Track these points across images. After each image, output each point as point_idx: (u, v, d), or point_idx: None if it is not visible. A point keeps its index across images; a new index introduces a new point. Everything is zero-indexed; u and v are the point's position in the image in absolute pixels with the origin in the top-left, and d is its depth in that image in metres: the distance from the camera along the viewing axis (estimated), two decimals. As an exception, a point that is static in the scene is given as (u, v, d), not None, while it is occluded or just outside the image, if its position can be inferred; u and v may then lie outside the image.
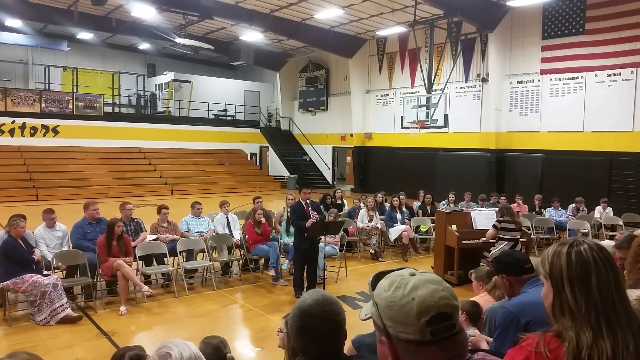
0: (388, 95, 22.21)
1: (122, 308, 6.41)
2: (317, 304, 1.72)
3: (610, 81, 14.91)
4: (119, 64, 27.89)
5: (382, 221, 10.27)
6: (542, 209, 12.13)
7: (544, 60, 16.52)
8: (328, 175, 26.07)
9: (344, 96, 24.12)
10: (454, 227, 8.04)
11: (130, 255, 6.93)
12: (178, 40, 20.37)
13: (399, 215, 10.42)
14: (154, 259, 7.55)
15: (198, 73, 28.16)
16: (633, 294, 1.75)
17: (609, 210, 11.69)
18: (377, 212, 10.40)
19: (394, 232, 10.06)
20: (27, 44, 24.47)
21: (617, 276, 1.40)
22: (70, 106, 22.00)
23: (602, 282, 1.37)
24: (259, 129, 27.74)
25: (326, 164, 26.18)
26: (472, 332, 3.22)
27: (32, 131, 21.03)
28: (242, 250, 8.48)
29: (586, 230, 10.56)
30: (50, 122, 21.37)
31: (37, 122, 21.11)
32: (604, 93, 15.01)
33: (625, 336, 1.32)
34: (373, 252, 9.84)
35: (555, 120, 16.20)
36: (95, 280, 6.82)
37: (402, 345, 1.15)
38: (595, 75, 15.21)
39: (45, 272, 6.21)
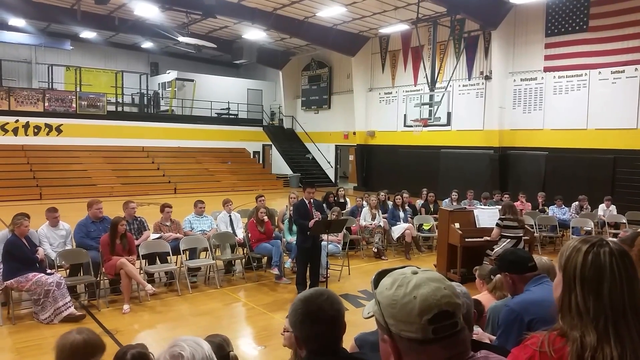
0: (391, 93, 22.18)
1: (126, 306, 6.42)
2: (316, 292, 1.85)
3: (614, 78, 14.84)
4: (122, 63, 27.92)
5: (384, 219, 10.25)
6: (545, 207, 12.09)
7: (547, 57, 16.46)
8: (331, 173, 26.06)
9: (347, 94, 24.11)
10: (457, 225, 8.03)
11: (134, 253, 6.94)
12: (181, 39, 20.37)
13: (401, 214, 10.41)
14: (157, 258, 7.57)
15: (201, 72, 28.16)
16: None
17: (613, 208, 11.65)
18: (379, 211, 10.39)
19: (396, 231, 10.05)
20: (31, 43, 24.52)
21: (632, 285, 1.35)
22: (74, 105, 22.04)
23: (614, 290, 1.34)
24: (261, 128, 27.75)
25: (329, 163, 26.17)
26: (475, 330, 3.21)
27: (36, 130, 21.08)
28: (245, 249, 8.48)
29: (589, 228, 10.53)
30: (54, 121, 21.42)
31: (41, 121, 21.15)
32: (607, 90, 14.94)
33: (634, 347, 1.29)
34: (376, 250, 9.83)
35: (559, 118, 16.15)
36: (98, 278, 6.84)
37: (405, 343, 1.15)
38: (599, 72, 15.14)
39: (48, 271, 6.23)
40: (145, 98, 26.89)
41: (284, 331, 2.82)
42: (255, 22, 19.39)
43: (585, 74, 15.48)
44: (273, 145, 27.14)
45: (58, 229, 7.09)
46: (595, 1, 15.09)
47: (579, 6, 15.50)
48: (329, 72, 25.70)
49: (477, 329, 3.28)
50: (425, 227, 10.70)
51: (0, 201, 16.03)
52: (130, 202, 7.89)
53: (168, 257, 7.56)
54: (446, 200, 12.00)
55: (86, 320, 6.05)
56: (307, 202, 7.25)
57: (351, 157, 25.03)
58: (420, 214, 11.08)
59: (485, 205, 10.77)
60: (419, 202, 11.75)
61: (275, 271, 7.86)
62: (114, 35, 25.04)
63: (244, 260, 8.49)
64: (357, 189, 22.69)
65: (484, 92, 18.42)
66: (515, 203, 9.39)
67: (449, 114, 19.22)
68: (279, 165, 26.52)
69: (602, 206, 11.66)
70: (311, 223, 6.95)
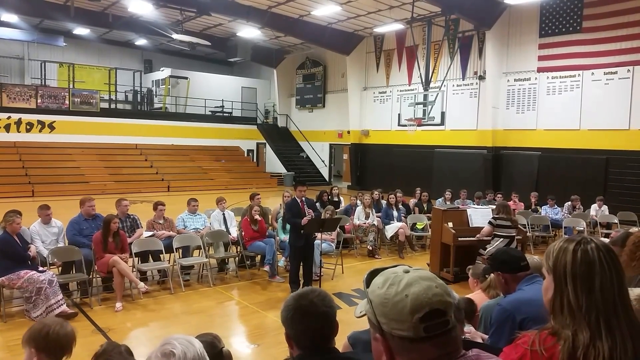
0: (385, 92, 22.21)
1: (118, 304, 6.40)
2: (308, 289, 1.88)
3: (606, 79, 14.93)
4: (116, 60, 27.77)
5: (378, 218, 10.27)
6: (538, 207, 12.16)
7: (541, 58, 16.54)
8: (325, 172, 26.06)
9: (341, 93, 24.10)
10: (450, 224, 8.06)
11: (126, 251, 6.92)
12: (175, 36, 20.30)
13: (395, 213, 10.43)
14: (150, 256, 7.54)
15: (195, 69, 28.08)
16: (633, 293, 1.74)
17: (605, 208, 11.73)
18: (373, 210, 10.40)
19: (390, 230, 10.06)
20: (23, 39, 24.34)
21: (620, 279, 1.38)
22: (67, 102, 21.90)
23: (605, 283, 1.36)
24: (255, 126, 27.70)
25: (323, 161, 26.18)
26: (467, 329, 3.22)
27: (28, 127, 20.94)
28: (239, 247, 8.47)
29: (582, 228, 10.59)
30: (46, 118, 21.28)
31: (33, 117, 21.01)
32: (600, 91, 15.03)
33: (624, 340, 1.32)
34: (369, 249, 9.84)
35: (552, 118, 16.23)
36: (91, 276, 6.81)
37: (396, 342, 1.15)
38: (592, 73, 15.23)
39: (40, 268, 6.20)
40: (138, 95, 26.78)
41: None
42: (249, 20, 19.34)
43: (579, 75, 15.56)
44: (267, 144, 27.10)
45: (50, 226, 7.04)
46: (589, 2, 15.17)
47: (572, 7, 15.57)
48: (323, 71, 25.69)
49: (469, 328, 3.30)
50: (419, 226, 10.73)
51: (-9, 198, 15.91)
52: (123, 200, 7.84)
53: (161, 255, 7.54)
54: (439, 199, 12.04)
55: (78, 318, 6.03)
56: (299, 200, 7.25)
57: (345, 156, 25.04)
58: (414, 213, 11.11)
59: (478, 204, 10.81)
60: (412, 201, 11.78)
61: (267, 268, 7.85)
62: (108, 32, 24.88)
63: (237, 258, 8.48)
64: (351, 187, 22.72)
65: (477, 92, 18.48)
66: (508, 203, 9.42)
67: (442, 114, 19.25)
68: (273, 163, 26.50)
69: (594, 206, 11.74)
70: (304, 220, 6.95)
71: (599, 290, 1.35)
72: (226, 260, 8.43)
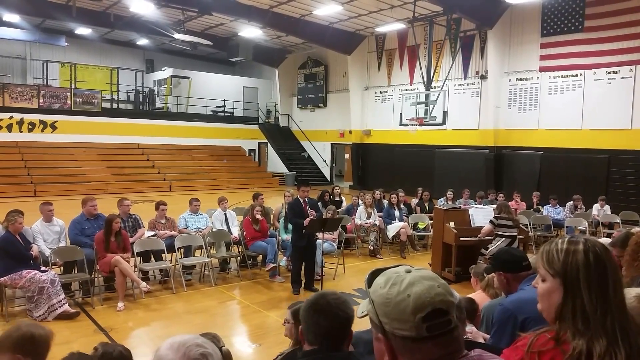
0: (387, 92, 22.19)
1: (120, 304, 6.41)
2: (330, 292, 1.97)
3: (608, 79, 14.90)
4: (117, 60, 27.80)
5: (380, 218, 10.27)
6: (540, 207, 12.15)
7: (542, 57, 16.51)
8: (326, 172, 26.06)
9: (343, 93, 24.09)
10: (452, 224, 8.05)
11: (128, 251, 6.93)
12: (176, 36, 20.31)
13: (397, 212, 10.43)
14: (152, 255, 7.55)
15: (197, 69, 28.09)
16: (632, 292, 1.72)
17: (607, 207, 11.71)
18: (375, 209, 10.40)
19: (392, 229, 10.06)
20: (25, 39, 24.36)
21: (622, 278, 1.36)
22: (69, 102, 21.93)
23: (616, 284, 1.32)
24: (257, 126, 27.71)
25: (325, 161, 26.17)
26: (469, 329, 3.22)
27: (30, 127, 20.97)
28: (240, 247, 8.48)
29: (584, 228, 10.57)
30: (49, 118, 21.31)
31: (35, 117, 21.04)
32: (602, 91, 15.00)
33: (637, 341, 1.29)
34: (371, 249, 9.84)
35: (554, 118, 16.20)
36: (93, 276, 6.81)
37: (399, 341, 1.15)
38: (594, 73, 15.20)
39: (42, 268, 6.21)
40: (140, 95, 26.81)
41: (285, 322, 2.92)
42: (251, 19, 19.35)
43: (580, 74, 15.53)
44: (269, 144, 27.10)
45: (52, 224, 7.05)
46: (591, 2, 15.14)
47: (574, 6, 15.55)
48: (325, 71, 25.68)
49: (471, 328, 3.29)
50: (421, 226, 10.72)
51: (-6, 198, 15.94)
52: (124, 200, 7.86)
53: (163, 255, 7.54)
54: (441, 199, 12.03)
55: (80, 318, 6.04)
56: (301, 200, 7.26)
57: (347, 156, 25.03)
58: (416, 213, 11.10)
59: (480, 204, 10.81)
60: (414, 201, 11.77)
61: (270, 266, 7.85)
62: (110, 32, 24.90)
63: (239, 258, 8.48)
64: (353, 187, 22.70)
65: (479, 92, 18.46)
66: (509, 202, 9.42)
67: (444, 113, 19.21)
68: (275, 163, 26.50)
69: (596, 206, 11.72)
70: (306, 221, 6.96)
71: (613, 290, 1.31)
72: (228, 260, 8.44)
